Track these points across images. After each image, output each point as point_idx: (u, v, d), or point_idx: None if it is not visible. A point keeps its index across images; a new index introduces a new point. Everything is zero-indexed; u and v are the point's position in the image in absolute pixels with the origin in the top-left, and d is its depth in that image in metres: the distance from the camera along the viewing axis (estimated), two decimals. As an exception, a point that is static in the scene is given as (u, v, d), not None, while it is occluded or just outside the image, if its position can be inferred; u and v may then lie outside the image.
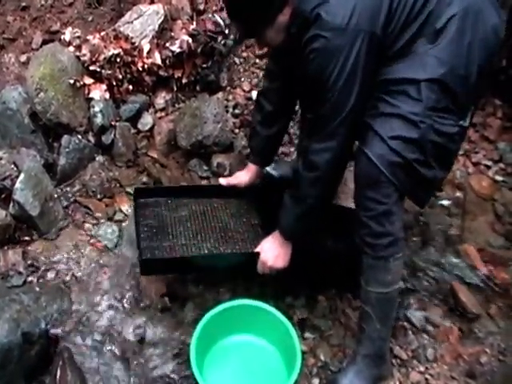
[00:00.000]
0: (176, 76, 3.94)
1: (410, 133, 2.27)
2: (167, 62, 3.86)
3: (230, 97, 4.03)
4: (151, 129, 3.86)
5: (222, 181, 3.23)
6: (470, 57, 2.24)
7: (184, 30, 3.92)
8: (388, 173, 2.32)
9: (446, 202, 3.67)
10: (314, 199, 2.58)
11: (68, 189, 3.54)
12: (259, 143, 3.15)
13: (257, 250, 2.84)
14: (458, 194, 3.72)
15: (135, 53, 3.80)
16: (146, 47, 3.82)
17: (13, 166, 3.27)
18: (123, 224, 3.39)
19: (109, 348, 2.84)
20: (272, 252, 2.79)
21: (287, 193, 2.69)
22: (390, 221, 2.46)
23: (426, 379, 2.82)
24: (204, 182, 3.67)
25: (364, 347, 2.73)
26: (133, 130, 3.81)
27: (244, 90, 4.08)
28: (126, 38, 3.82)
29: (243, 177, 3.20)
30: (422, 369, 2.86)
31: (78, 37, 3.79)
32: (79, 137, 3.62)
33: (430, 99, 2.24)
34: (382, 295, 2.63)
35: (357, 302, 3.06)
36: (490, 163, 3.88)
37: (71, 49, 3.74)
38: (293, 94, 3.03)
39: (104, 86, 3.76)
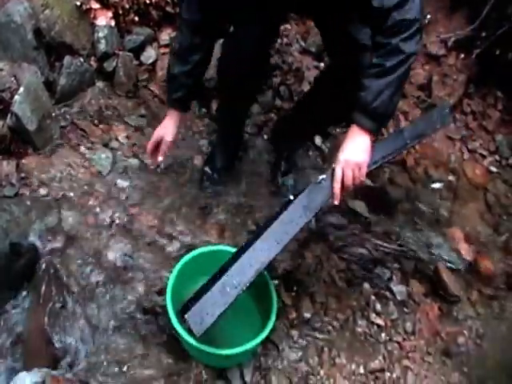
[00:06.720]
0: (182, 15, 3.85)
1: None
2: (174, -2, 3.79)
3: (236, 43, 3.96)
4: (154, 63, 3.81)
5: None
6: None
7: (195, -30, 3.84)
8: None
9: (437, 185, 3.70)
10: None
11: (66, 109, 3.45)
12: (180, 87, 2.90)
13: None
14: (451, 177, 3.76)
15: (143, -16, 3.72)
16: (155, -20, 3.74)
17: (13, 78, 3.15)
18: (118, 153, 3.33)
19: (94, 269, 2.78)
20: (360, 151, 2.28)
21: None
22: None
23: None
24: (199, 122, 3.66)
25: None
26: (135, 62, 3.74)
27: (250, 39, 4.01)
28: (136, -32, 3.74)
29: (170, 129, 2.92)
30: (399, 339, 2.89)
31: (88, -41, 3.70)
32: (81, 60, 3.53)
33: None
34: None
35: (343, 263, 3.08)
36: (485, 153, 3.95)
37: (80, -30, 3.64)
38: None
39: (110, 14, 3.67)
